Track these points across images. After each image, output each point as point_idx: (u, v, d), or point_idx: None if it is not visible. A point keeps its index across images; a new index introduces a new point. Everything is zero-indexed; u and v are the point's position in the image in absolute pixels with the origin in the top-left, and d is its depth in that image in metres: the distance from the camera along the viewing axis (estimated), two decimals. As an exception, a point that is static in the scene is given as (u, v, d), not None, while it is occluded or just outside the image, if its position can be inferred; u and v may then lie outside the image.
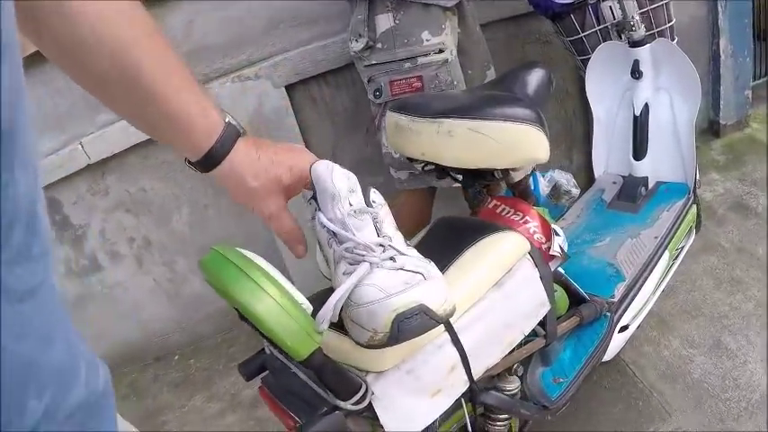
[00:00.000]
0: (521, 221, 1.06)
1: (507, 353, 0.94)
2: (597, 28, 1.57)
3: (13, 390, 0.27)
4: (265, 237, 1.82)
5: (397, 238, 0.73)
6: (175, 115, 0.58)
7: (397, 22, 1.36)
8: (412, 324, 0.65)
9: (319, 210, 0.70)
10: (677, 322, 1.62)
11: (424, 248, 0.99)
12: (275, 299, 0.61)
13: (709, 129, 2.29)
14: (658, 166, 1.55)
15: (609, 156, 1.62)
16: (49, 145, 1.71)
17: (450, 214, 1.10)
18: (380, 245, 0.69)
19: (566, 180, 1.25)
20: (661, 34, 1.57)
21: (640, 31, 1.42)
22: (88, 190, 1.78)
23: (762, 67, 2.39)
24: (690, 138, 1.48)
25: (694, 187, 1.51)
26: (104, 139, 1.70)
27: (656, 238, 1.39)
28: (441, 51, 1.37)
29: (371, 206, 0.71)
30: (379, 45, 1.39)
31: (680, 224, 1.45)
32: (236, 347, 1.96)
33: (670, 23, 1.57)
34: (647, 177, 1.54)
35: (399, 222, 1.56)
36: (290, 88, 1.76)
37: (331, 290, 0.69)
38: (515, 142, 0.87)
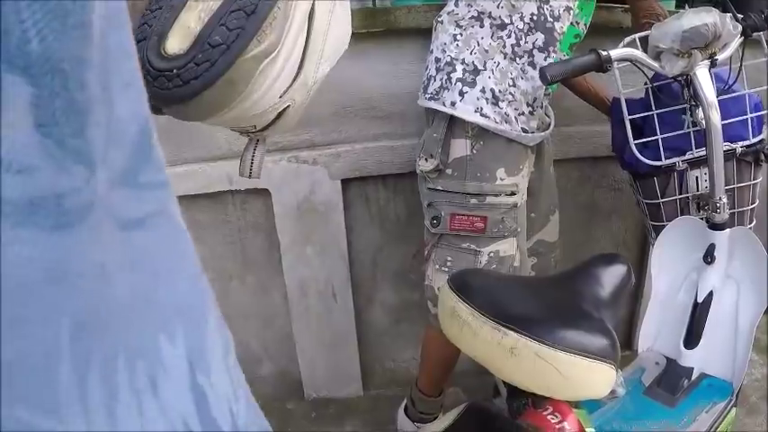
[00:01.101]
0: (557, 425, 0.97)
1: None
2: (678, 197, 1.49)
3: (133, 324, 0.26)
4: (281, 321, 1.76)
5: None
6: None
7: (474, 152, 1.28)
8: None
9: None
10: None
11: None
12: None
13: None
14: (707, 357, 1.44)
15: (659, 334, 1.52)
16: None
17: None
18: None
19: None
20: (741, 215, 1.49)
21: (724, 215, 1.33)
22: None
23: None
24: (749, 336, 1.38)
25: (739, 389, 1.41)
26: None
27: (689, 443, 1.29)
28: (512, 194, 1.29)
29: None
30: (449, 171, 1.30)
31: (716, 430, 1.35)
32: None
33: (753, 205, 1.49)
34: (692, 369, 1.44)
35: (425, 355, 1.48)
36: (345, 181, 1.68)
37: None
38: (583, 380, 0.79)
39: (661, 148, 1.41)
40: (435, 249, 1.36)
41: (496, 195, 1.28)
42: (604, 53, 1.19)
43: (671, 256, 1.48)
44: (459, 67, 1.28)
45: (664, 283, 1.50)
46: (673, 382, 1.43)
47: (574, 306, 0.87)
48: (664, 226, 1.50)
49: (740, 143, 1.40)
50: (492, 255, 1.32)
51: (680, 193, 1.48)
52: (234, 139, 1.67)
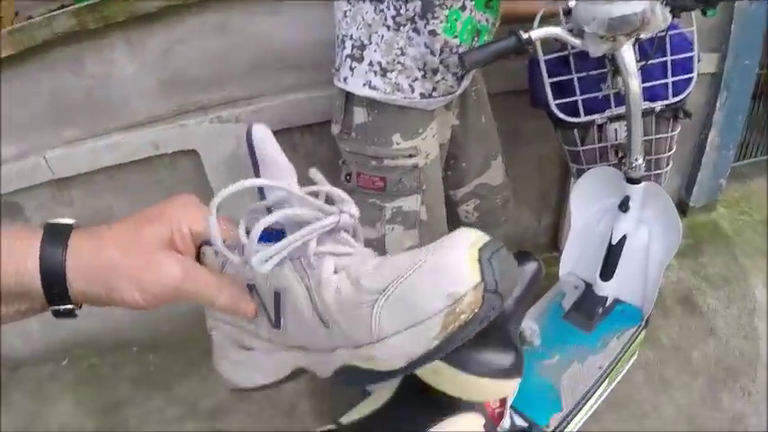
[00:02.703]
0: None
1: None
2: (597, 146, 1.59)
3: None
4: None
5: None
6: None
7: (370, 119, 1.37)
8: (503, 258, 0.45)
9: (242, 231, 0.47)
10: (602, 412, 1.76)
11: (389, 412, 1.08)
12: None
13: (677, 207, 2.37)
14: (621, 286, 1.62)
15: (578, 261, 1.68)
16: (12, 152, 1.67)
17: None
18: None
19: (530, 331, 1.32)
20: (657, 161, 1.60)
21: (640, 172, 1.44)
22: (52, 199, 1.76)
23: (751, 143, 2.46)
24: (657, 275, 1.55)
25: (649, 316, 1.61)
26: (70, 158, 1.68)
27: (600, 368, 1.50)
28: (411, 156, 1.38)
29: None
30: (353, 134, 1.39)
31: (625, 353, 1.56)
32: (196, 351, 2.02)
33: (670, 152, 1.60)
34: (606, 297, 1.62)
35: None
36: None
37: None
38: (493, 393, 0.90)
39: (581, 107, 1.48)
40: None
41: (393, 159, 1.38)
42: (525, 35, 1.22)
43: (589, 198, 1.61)
44: (349, 44, 1.34)
45: (582, 219, 1.64)
46: (590, 308, 1.62)
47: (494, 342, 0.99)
48: (585, 169, 1.61)
49: (659, 102, 1.47)
50: (395, 210, 1.44)
51: (599, 142, 1.57)
52: (151, 104, 1.66)
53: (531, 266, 1.09)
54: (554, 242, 2.35)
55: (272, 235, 0.47)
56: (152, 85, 1.67)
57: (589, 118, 1.49)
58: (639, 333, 1.60)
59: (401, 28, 1.28)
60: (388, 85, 1.32)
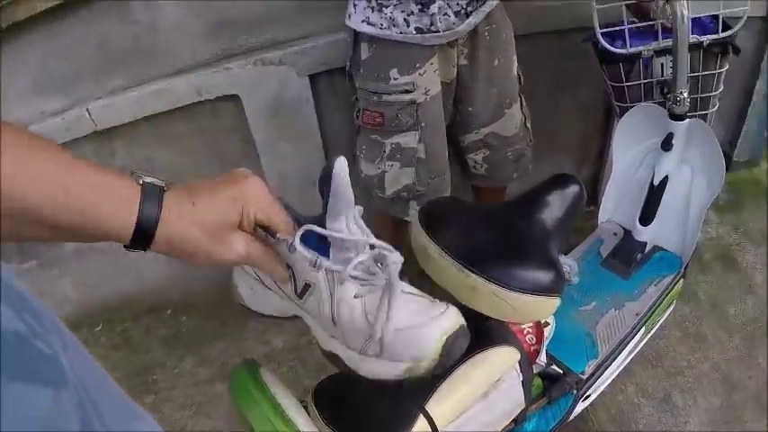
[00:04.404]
0: (515, 320, 1.10)
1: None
2: (642, 81, 1.52)
3: None
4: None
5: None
6: (80, 213, 0.48)
7: (371, 54, 1.38)
8: (460, 345, 0.63)
9: (297, 239, 0.59)
10: (637, 368, 1.71)
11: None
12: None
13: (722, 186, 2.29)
14: (660, 232, 1.56)
15: (617, 207, 1.62)
16: (55, 106, 1.63)
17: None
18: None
19: (569, 267, 1.27)
20: (704, 100, 1.53)
21: (684, 107, 1.38)
22: (94, 153, 1.71)
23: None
24: (699, 218, 1.48)
25: (687, 264, 1.55)
26: (113, 108, 1.63)
27: (637, 314, 1.44)
28: (407, 92, 1.37)
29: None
30: (361, 70, 1.41)
31: (662, 300, 1.50)
32: (228, 311, 1.96)
33: (717, 92, 1.52)
34: (646, 243, 1.56)
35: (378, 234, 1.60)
36: (313, 76, 1.68)
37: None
38: (533, 311, 0.90)
39: (627, 38, 1.41)
40: (357, 137, 1.51)
41: (390, 94, 1.38)
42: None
43: (631, 138, 1.54)
44: None
45: (623, 162, 1.58)
46: (628, 254, 1.56)
47: (526, 241, 0.95)
48: (628, 107, 1.55)
49: (708, 36, 1.40)
50: (394, 146, 1.44)
51: (644, 78, 1.51)
52: (196, 49, 1.63)
53: (572, 189, 1.05)
54: (593, 195, 2.26)
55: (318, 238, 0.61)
56: (197, 29, 1.63)
57: (635, 49, 1.42)
58: (677, 281, 1.54)
59: None
60: (384, 19, 1.31)
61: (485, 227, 0.96)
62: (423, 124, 1.41)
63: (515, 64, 1.54)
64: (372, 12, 1.32)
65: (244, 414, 0.69)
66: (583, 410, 1.57)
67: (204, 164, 1.79)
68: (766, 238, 2.06)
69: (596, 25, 1.41)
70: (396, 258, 0.62)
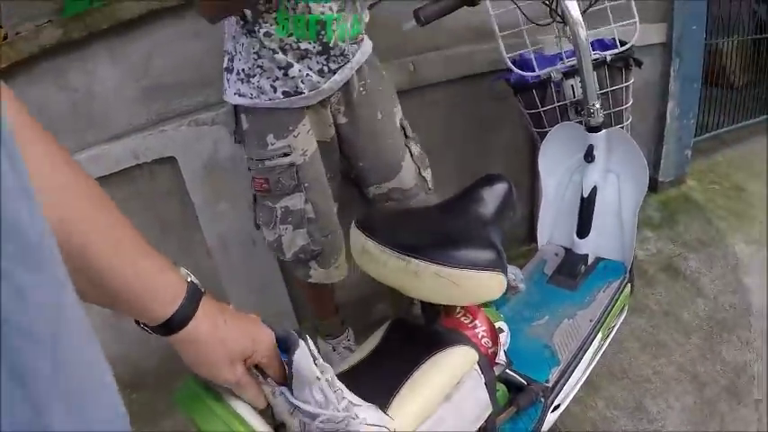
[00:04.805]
0: (470, 325, 1.11)
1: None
2: (557, 104, 1.63)
3: None
4: (208, 275, 1.81)
5: (344, 390, 0.77)
6: (133, 286, 0.54)
7: (248, 124, 1.42)
8: None
9: (289, 392, 0.69)
10: (604, 383, 1.73)
11: (382, 357, 1.04)
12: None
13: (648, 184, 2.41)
14: (599, 243, 1.62)
15: (554, 228, 1.69)
16: None
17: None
18: (345, 408, 0.72)
19: (513, 275, 1.31)
20: (618, 114, 1.64)
21: (598, 119, 1.47)
22: None
23: (709, 119, 2.53)
24: (632, 221, 1.55)
25: (631, 267, 1.60)
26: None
27: (590, 320, 1.47)
28: (286, 155, 1.41)
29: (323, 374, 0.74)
30: (247, 139, 1.45)
31: (614, 305, 1.53)
32: (178, 386, 1.93)
33: (628, 104, 1.64)
34: (587, 255, 1.61)
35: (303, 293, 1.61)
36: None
37: None
38: (477, 287, 0.92)
39: (534, 63, 1.52)
40: (255, 205, 1.53)
41: (270, 159, 1.41)
42: (471, -13, 1.26)
43: (555, 159, 1.62)
44: (225, 58, 1.42)
45: (552, 183, 1.66)
46: (572, 268, 1.61)
47: (463, 228, 0.99)
48: (547, 132, 1.64)
49: (609, 52, 1.53)
50: (283, 209, 1.47)
51: (558, 101, 1.61)
52: (132, 113, 1.67)
53: (500, 186, 1.10)
54: (530, 232, 2.33)
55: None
56: (133, 94, 1.68)
57: (545, 71, 1.53)
58: (625, 285, 1.58)
59: (253, 33, 1.32)
60: (253, 89, 1.37)
61: (421, 222, 1.00)
62: (306, 185, 1.44)
63: (398, 116, 1.55)
64: (242, 83, 1.37)
65: (199, 423, 0.68)
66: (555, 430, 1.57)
67: (144, 227, 1.75)
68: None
69: (503, 51, 1.52)
70: (357, 426, 0.72)
